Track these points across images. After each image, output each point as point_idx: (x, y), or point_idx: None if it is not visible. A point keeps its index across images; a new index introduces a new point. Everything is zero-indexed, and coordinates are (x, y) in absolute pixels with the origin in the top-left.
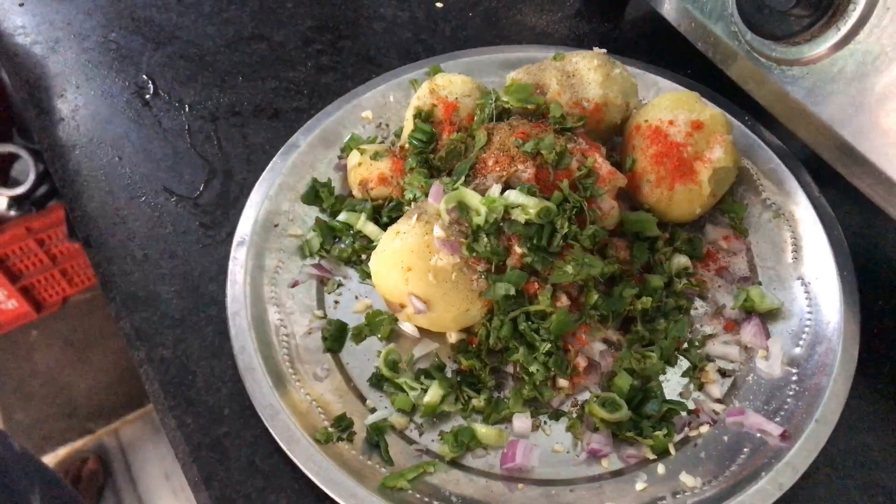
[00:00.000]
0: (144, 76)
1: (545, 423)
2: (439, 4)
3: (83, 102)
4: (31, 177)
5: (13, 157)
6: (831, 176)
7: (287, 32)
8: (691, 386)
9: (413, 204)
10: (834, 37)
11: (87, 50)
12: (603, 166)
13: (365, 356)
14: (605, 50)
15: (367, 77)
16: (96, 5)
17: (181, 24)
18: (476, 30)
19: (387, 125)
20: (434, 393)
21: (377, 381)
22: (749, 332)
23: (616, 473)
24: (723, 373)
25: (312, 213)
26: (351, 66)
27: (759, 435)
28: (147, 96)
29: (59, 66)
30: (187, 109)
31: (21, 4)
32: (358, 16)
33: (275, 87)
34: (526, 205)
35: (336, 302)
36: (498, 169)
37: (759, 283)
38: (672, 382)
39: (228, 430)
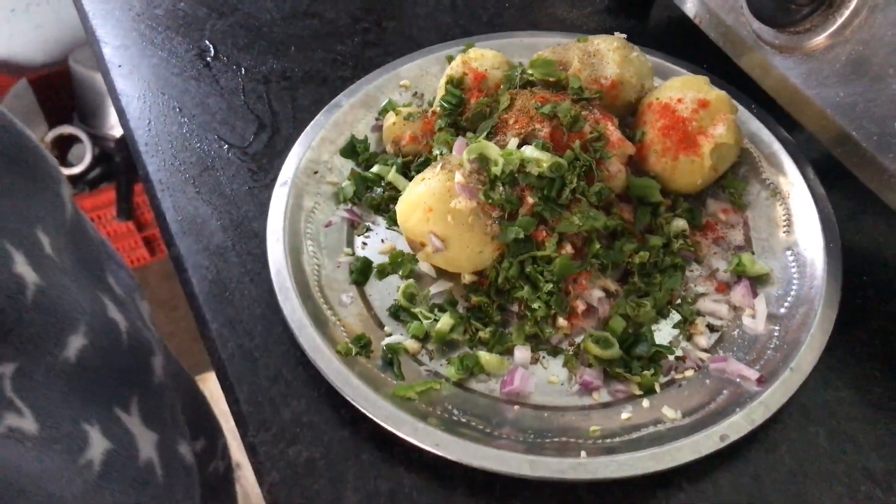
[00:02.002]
0: (207, 41)
1: (543, 357)
2: None
3: (151, 59)
4: (87, 159)
5: (72, 140)
6: (830, 162)
7: (338, 11)
8: (681, 337)
9: (439, 157)
10: (831, 26)
11: (157, 16)
12: (613, 133)
13: (386, 290)
14: (625, 35)
15: (407, 53)
16: None
17: None
18: (510, 18)
19: (422, 94)
20: (445, 322)
21: (395, 311)
22: (738, 292)
23: (605, 405)
24: (711, 327)
25: (348, 165)
26: (393, 44)
27: (738, 380)
28: (208, 58)
29: (132, 28)
30: (243, 72)
31: None
32: (403, 1)
33: (323, 58)
34: (540, 159)
35: (364, 243)
36: (517, 127)
37: (752, 253)
38: (664, 332)
39: (259, 344)
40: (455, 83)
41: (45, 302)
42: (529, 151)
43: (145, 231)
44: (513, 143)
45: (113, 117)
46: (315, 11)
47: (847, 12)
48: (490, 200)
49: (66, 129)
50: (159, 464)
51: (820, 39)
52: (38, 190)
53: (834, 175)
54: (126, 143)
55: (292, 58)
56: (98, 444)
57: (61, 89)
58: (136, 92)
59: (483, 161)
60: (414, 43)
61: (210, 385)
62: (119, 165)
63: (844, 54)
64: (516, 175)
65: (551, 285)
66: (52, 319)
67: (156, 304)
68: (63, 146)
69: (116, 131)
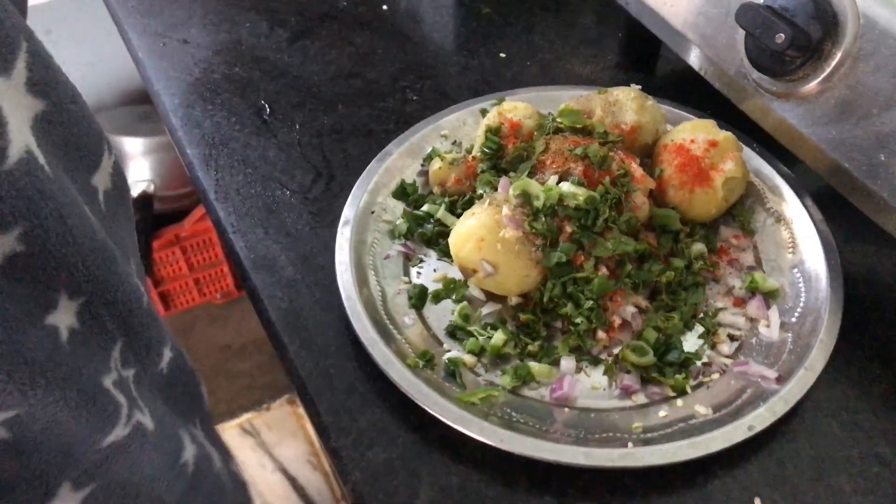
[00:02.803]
0: (262, 101)
1: (586, 367)
2: (503, 55)
3: (214, 118)
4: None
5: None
6: (828, 193)
7: (378, 72)
8: (706, 346)
9: (485, 195)
10: (821, 74)
11: (215, 80)
12: (637, 170)
13: (441, 313)
14: (640, 86)
15: (443, 108)
16: (222, 47)
17: (291, 63)
18: (532, 76)
19: (460, 143)
20: (498, 337)
21: (452, 330)
22: (753, 306)
23: (643, 406)
24: (731, 337)
25: (400, 206)
26: (430, 100)
27: (759, 380)
28: (265, 116)
29: (193, 91)
30: (297, 127)
31: (163, 43)
32: (436, 62)
33: (368, 114)
34: (576, 193)
35: (418, 272)
36: (554, 167)
37: (763, 272)
38: (690, 342)
39: (334, 363)
40: (493, 131)
41: (152, 310)
42: (567, 187)
43: (161, 287)
44: (552, 180)
45: (131, 177)
46: (357, 72)
47: (834, 62)
48: (534, 230)
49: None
50: (227, 476)
51: (812, 86)
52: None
53: (831, 204)
54: (144, 202)
55: (340, 113)
56: (189, 448)
57: None
58: (201, 148)
59: (526, 196)
60: (448, 98)
61: None
62: (138, 224)
63: (834, 98)
64: (556, 207)
65: (591, 302)
66: (157, 327)
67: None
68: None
69: (135, 191)
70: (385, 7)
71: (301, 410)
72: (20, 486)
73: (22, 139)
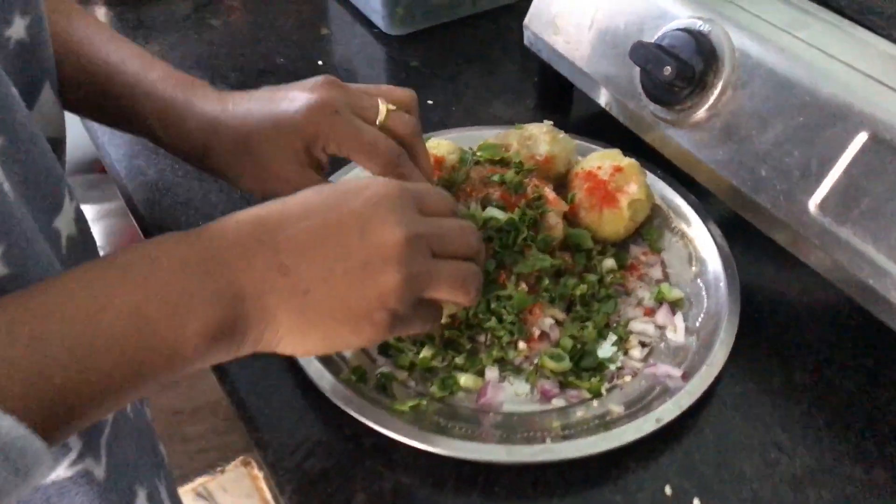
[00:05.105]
0: None
1: (509, 376)
2: (430, 102)
3: (158, 166)
4: None
5: None
6: (731, 215)
7: None
8: (619, 352)
9: None
10: (706, 103)
11: None
12: (550, 194)
13: None
14: (552, 122)
15: None
16: None
17: None
18: (458, 119)
19: None
20: (426, 352)
21: (384, 347)
22: (661, 314)
23: (562, 408)
24: (642, 343)
25: None
26: None
27: (666, 379)
28: None
29: (138, 142)
30: None
31: None
32: None
33: None
34: (497, 216)
35: None
36: (475, 194)
37: (669, 284)
38: (605, 350)
39: (273, 382)
40: None
41: None
42: (489, 211)
43: None
44: (474, 205)
45: None
46: None
47: (716, 91)
48: None
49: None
50: None
51: (700, 113)
52: None
53: (732, 223)
54: None
55: None
56: None
57: None
58: (146, 194)
59: None
60: None
61: None
62: None
63: (719, 123)
64: (480, 231)
65: (513, 316)
66: None
67: None
68: None
69: None
70: (321, 62)
71: (256, 471)
72: None
73: None
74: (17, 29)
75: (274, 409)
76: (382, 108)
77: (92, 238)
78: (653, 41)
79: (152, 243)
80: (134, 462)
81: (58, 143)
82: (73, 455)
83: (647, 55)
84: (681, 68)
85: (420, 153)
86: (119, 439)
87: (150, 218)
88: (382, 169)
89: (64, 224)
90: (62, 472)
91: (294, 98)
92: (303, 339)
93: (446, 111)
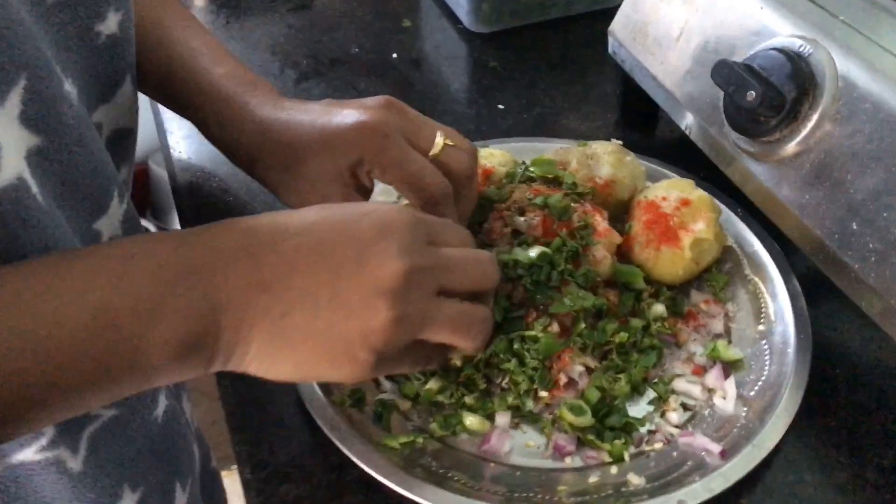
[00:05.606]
0: None
1: (523, 423)
2: (501, 107)
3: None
4: None
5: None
6: (815, 270)
7: None
8: (655, 413)
9: None
10: (798, 136)
11: None
12: (600, 224)
13: None
14: (621, 142)
15: None
16: None
17: None
18: (527, 129)
19: None
20: (434, 384)
21: None
22: (712, 375)
23: (576, 469)
24: (685, 406)
25: None
26: None
27: (702, 453)
28: None
29: None
30: None
31: None
32: (434, 109)
33: None
34: (526, 257)
35: None
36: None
37: (730, 341)
38: (638, 408)
39: (265, 394)
40: None
41: None
42: (518, 253)
43: None
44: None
45: None
46: None
47: (810, 124)
48: None
49: (141, 222)
50: None
51: (788, 147)
52: None
53: (817, 282)
54: None
55: None
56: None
57: (140, 187)
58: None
59: None
60: None
61: None
62: None
63: (809, 161)
64: (507, 271)
65: (537, 362)
66: None
67: None
68: None
69: None
70: (395, 55)
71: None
72: None
73: (14, 165)
74: (110, 24)
75: (264, 423)
76: (440, 139)
77: None
78: (742, 60)
79: (136, 241)
80: (133, 462)
81: (128, 133)
82: (43, 441)
83: (730, 76)
84: (768, 94)
85: (466, 197)
86: (114, 437)
87: (190, 201)
88: (422, 204)
89: (107, 226)
90: (30, 455)
91: (347, 115)
92: (272, 364)
93: (517, 118)
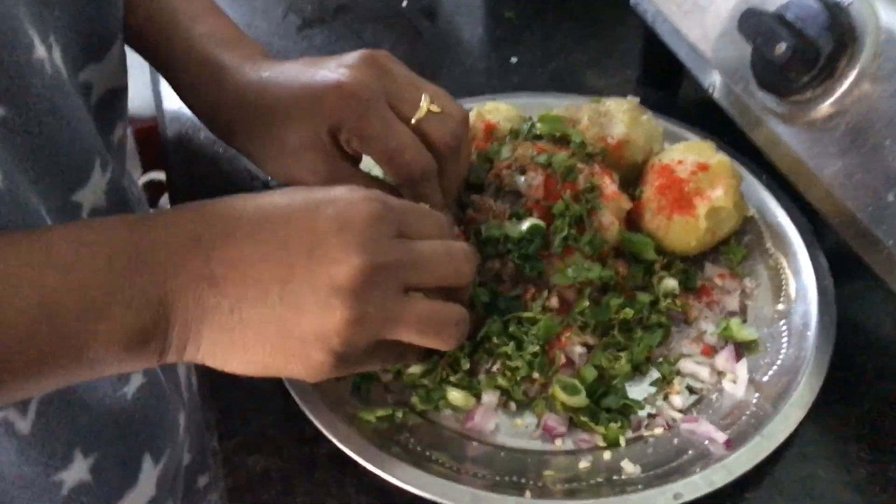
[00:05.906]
0: None
1: (513, 402)
2: (514, 60)
3: None
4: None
5: (162, 188)
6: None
7: None
8: (657, 395)
9: None
10: (832, 96)
11: None
12: (609, 187)
13: None
14: (638, 99)
15: None
16: None
17: (294, 50)
18: (541, 84)
19: None
20: (416, 368)
21: None
22: (723, 356)
23: (566, 453)
24: (690, 389)
25: None
26: None
27: (706, 442)
28: None
29: None
30: None
31: None
32: (442, 61)
33: None
34: (509, 231)
35: None
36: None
37: (745, 320)
38: (639, 389)
39: None
40: None
41: None
42: (509, 228)
43: None
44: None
45: None
46: None
47: (847, 82)
48: None
49: (158, 176)
50: None
51: (822, 108)
52: None
53: (846, 260)
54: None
55: None
56: (74, 473)
57: (152, 142)
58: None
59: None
60: None
61: None
62: None
63: (844, 124)
64: (499, 246)
65: (538, 348)
66: None
67: None
68: (154, 192)
69: None
70: (405, 3)
71: None
72: None
73: None
74: None
75: (238, 389)
76: (424, 104)
77: (131, 207)
78: (774, 10)
79: (91, 225)
80: (87, 429)
81: (119, 92)
82: None
83: (758, 26)
84: (800, 47)
85: (450, 172)
86: (68, 405)
87: (180, 153)
88: (401, 182)
89: (88, 197)
90: None
91: (324, 76)
92: (226, 359)
93: (530, 73)
